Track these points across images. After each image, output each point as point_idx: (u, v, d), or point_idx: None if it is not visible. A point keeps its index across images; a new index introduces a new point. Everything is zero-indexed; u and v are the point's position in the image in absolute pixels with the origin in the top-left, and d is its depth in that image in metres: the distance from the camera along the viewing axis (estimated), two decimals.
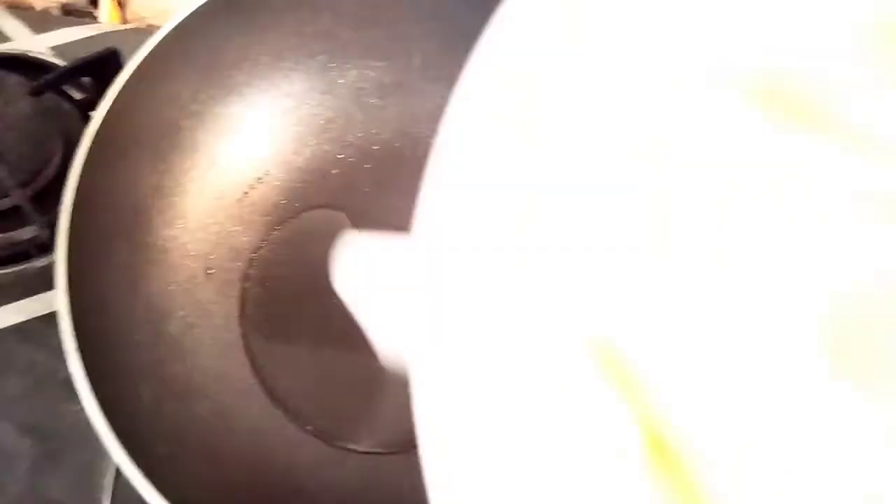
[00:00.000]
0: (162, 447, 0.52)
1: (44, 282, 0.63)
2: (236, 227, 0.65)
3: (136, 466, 0.47)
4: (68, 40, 0.81)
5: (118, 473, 0.59)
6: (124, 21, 0.89)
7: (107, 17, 0.88)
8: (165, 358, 0.58)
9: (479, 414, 0.27)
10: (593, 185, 0.25)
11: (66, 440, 0.62)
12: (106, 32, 0.84)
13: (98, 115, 0.55)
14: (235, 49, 0.62)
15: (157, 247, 0.61)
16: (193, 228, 0.63)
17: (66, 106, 0.71)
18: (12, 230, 0.65)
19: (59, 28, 0.83)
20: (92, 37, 0.82)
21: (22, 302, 0.66)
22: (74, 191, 0.53)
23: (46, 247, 0.62)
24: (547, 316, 0.25)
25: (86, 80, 0.71)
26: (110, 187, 0.56)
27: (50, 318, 0.62)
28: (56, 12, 0.97)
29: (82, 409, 0.49)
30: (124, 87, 0.56)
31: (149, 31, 0.61)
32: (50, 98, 0.69)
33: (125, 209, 0.58)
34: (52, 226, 0.54)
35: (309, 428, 0.60)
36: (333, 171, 0.68)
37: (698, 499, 0.22)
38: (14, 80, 0.69)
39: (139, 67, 0.56)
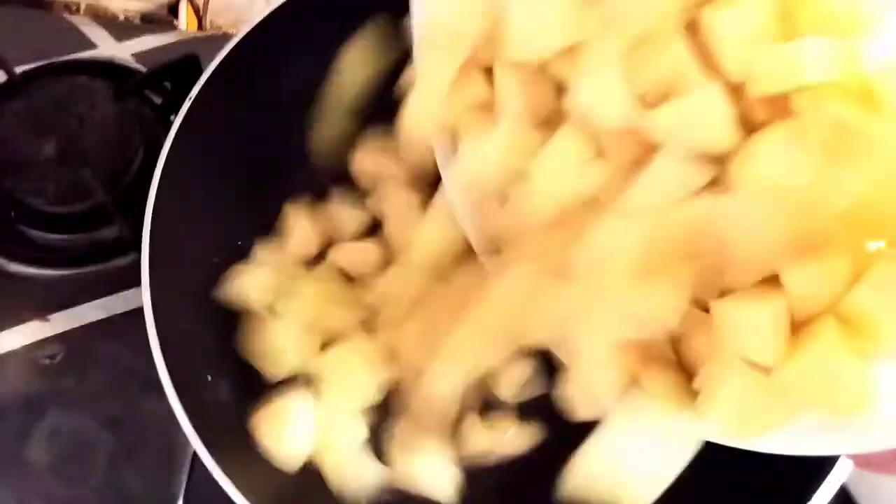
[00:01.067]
0: (239, 442, 0.53)
1: (126, 279, 0.66)
2: None
3: (214, 461, 0.48)
4: (149, 47, 0.84)
5: (193, 469, 0.60)
6: (202, 29, 0.91)
7: (185, 25, 0.91)
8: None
9: None
10: None
11: (145, 434, 0.63)
12: (184, 40, 0.86)
13: (178, 119, 0.56)
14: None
15: (238, 248, 0.62)
16: None
17: (148, 110, 0.73)
18: (97, 230, 0.67)
19: (140, 35, 0.85)
20: (171, 44, 0.85)
21: (105, 299, 0.68)
22: (157, 192, 0.54)
23: (129, 246, 0.64)
24: None
25: (167, 85, 0.74)
26: (191, 188, 0.57)
27: (132, 315, 0.64)
28: (137, 21, 1.01)
29: (163, 405, 0.50)
30: (202, 91, 0.57)
31: (225, 38, 0.63)
32: (132, 103, 0.72)
33: (206, 210, 0.59)
34: (135, 225, 0.55)
35: None
36: None
37: None
38: (99, 85, 0.72)
39: (215, 72, 0.57)
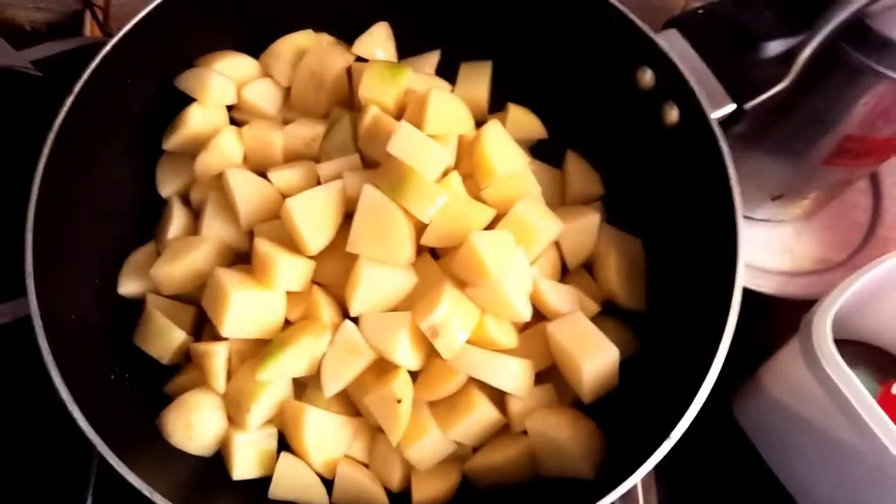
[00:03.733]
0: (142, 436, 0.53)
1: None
2: None
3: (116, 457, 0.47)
4: (49, 54, 0.82)
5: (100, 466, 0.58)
6: (107, 35, 0.90)
7: (89, 32, 0.90)
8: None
9: None
10: None
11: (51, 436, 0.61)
12: (86, 45, 0.85)
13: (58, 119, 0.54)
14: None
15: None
16: None
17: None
18: None
19: (40, 43, 0.84)
20: (72, 49, 0.83)
21: None
22: (38, 188, 0.52)
23: None
24: None
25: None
26: (73, 184, 0.56)
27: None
28: (44, 31, 0.99)
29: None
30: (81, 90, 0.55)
31: None
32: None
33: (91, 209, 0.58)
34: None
35: None
36: None
37: None
38: None
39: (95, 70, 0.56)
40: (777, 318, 0.76)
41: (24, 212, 0.52)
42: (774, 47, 0.57)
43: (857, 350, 0.73)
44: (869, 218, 0.86)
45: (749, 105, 0.56)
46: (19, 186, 0.52)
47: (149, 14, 0.57)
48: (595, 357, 0.52)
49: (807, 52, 0.57)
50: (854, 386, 0.55)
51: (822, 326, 0.59)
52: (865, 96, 0.63)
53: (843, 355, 0.58)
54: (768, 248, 0.83)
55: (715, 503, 0.69)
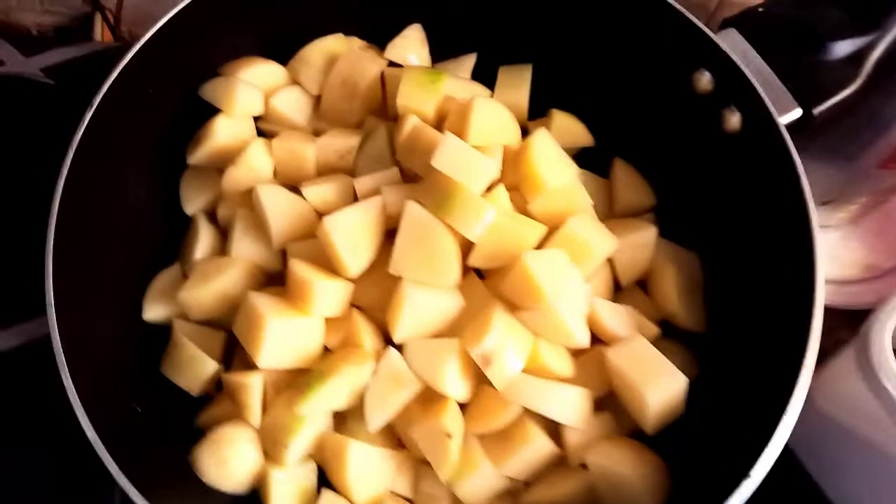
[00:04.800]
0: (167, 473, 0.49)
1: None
2: None
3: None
4: (59, 60, 0.78)
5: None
6: (119, 40, 0.87)
7: (100, 37, 0.86)
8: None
9: None
10: None
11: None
12: (98, 51, 0.81)
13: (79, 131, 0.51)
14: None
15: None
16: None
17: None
18: None
19: (50, 49, 0.80)
20: (84, 56, 0.80)
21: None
22: (57, 212, 0.49)
23: None
24: None
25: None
26: (96, 203, 0.53)
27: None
28: (51, 34, 0.96)
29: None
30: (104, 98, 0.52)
31: None
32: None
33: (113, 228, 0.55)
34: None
35: None
36: None
37: None
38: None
39: (117, 79, 0.52)
40: (824, 329, 0.73)
41: (41, 229, 0.48)
42: (843, 48, 0.53)
43: None
44: None
45: (818, 110, 0.52)
46: (34, 201, 0.49)
47: (170, 20, 0.53)
48: (661, 386, 0.48)
49: (877, 52, 0.53)
50: None
51: (881, 340, 0.56)
52: None
53: None
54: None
55: None
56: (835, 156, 0.69)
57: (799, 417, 0.67)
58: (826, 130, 0.66)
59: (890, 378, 0.54)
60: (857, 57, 0.53)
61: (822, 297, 0.46)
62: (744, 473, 0.42)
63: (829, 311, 0.74)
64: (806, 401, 0.65)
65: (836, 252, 0.80)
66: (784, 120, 0.51)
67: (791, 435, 0.66)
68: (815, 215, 0.48)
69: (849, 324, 0.75)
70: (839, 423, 0.63)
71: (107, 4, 0.88)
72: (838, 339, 0.61)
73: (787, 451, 0.67)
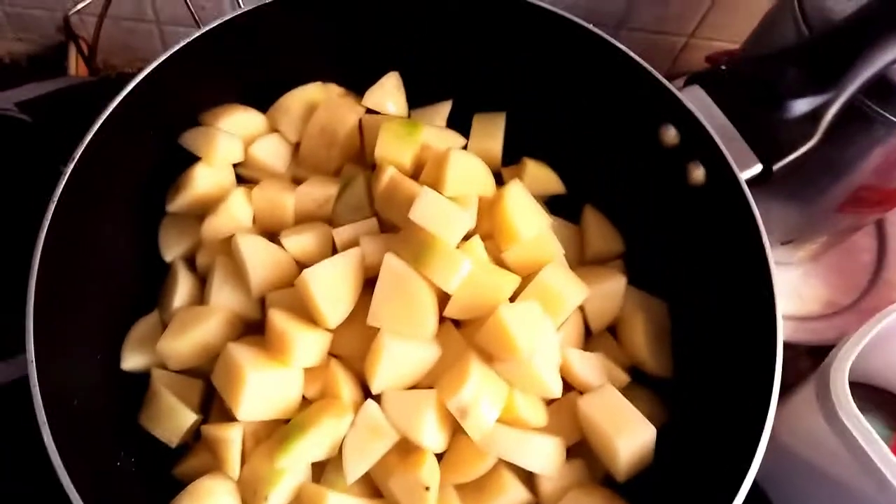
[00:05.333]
0: None
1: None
2: None
3: None
4: (35, 95, 0.78)
5: None
6: (94, 71, 0.86)
7: (74, 69, 0.86)
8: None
9: None
10: None
11: None
12: (74, 85, 0.81)
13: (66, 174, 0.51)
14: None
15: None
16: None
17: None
18: None
19: (25, 83, 0.80)
20: (60, 90, 0.79)
21: None
22: (41, 256, 0.49)
23: None
24: None
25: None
26: (79, 246, 0.53)
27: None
28: (24, 63, 0.95)
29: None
30: (92, 140, 0.52)
31: (120, 80, 0.58)
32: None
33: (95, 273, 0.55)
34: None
35: None
36: None
37: None
38: None
39: (107, 120, 0.53)
40: (785, 360, 0.75)
41: (20, 269, 0.48)
42: (801, 106, 0.56)
43: (865, 393, 0.72)
44: (874, 258, 0.86)
45: (777, 166, 0.55)
46: (12, 241, 0.49)
47: (151, 72, 0.54)
48: (631, 435, 0.50)
49: (833, 109, 0.56)
50: (873, 440, 0.55)
51: (840, 378, 0.59)
52: (881, 147, 0.62)
53: (853, 399, 0.57)
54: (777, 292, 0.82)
55: None
56: (795, 199, 0.72)
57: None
58: (787, 178, 0.69)
59: (849, 415, 0.56)
60: (815, 114, 0.55)
61: (781, 342, 0.48)
62: None
63: (789, 346, 0.77)
64: (770, 435, 0.67)
65: (798, 289, 0.83)
66: (745, 175, 0.53)
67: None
68: (774, 265, 0.50)
69: (809, 353, 0.78)
70: (801, 456, 0.65)
71: (80, 33, 0.87)
72: (799, 372, 0.63)
73: (753, 484, 0.69)
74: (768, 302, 0.50)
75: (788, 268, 0.84)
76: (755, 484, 0.69)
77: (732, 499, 0.44)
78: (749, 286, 0.51)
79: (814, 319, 0.81)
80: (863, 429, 0.55)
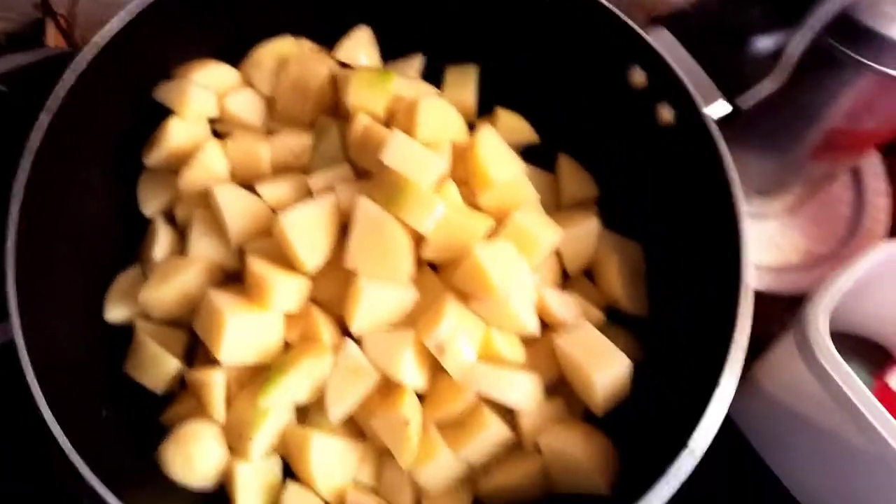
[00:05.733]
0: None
1: None
2: None
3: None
4: (13, 66, 0.78)
5: None
6: (73, 46, 0.86)
7: (52, 42, 0.86)
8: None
9: None
10: None
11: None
12: (52, 56, 0.81)
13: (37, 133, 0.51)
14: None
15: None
16: None
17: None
18: None
19: (3, 55, 0.80)
20: (38, 62, 0.79)
21: None
22: (19, 211, 0.49)
23: None
24: None
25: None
26: (56, 203, 0.53)
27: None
28: (2, 41, 0.95)
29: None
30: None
31: None
32: None
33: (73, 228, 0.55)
34: None
35: None
36: None
37: None
38: None
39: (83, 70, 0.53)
40: (766, 315, 0.76)
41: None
42: (764, 43, 0.56)
43: (848, 343, 0.73)
44: (852, 211, 0.87)
45: (742, 101, 0.55)
46: None
47: (123, 27, 0.54)
48: (606, 369, 0.51)
49: (797, 47, 0.56)
50: (852, 381, 0.55)
51: (818, 322, 0.59)
52: (850, 89, 0.63)
53: (836, 349, 0.58)
54: (755, 243, 0.83)
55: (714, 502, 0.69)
56: (769, 149, 0.73)
57: (747, 401, 0.70)
58: (760, 124, 0.70)
59: (826, 357, 0.57)
60: (779, 51, 0.56)
61: (750, 276, 0.49)
62: (682, 444, 0.45)
63: (772, 297, 0.78)
64: (753, 385, 0.69)
65: (776, 240, 0.84)
66: (710, 111, 0.54)
67: (740, 418, 0.70)
68: (742, 199, 0.51)
69: (792, 309, 0.79)
70: (785, 404, 0.66)
71: (58, 10, 0.87)
72: (783, 325, 0.64)
73: (738, 434, 0.71)
74: (735, 237, 0.50)
75: (767, 220, 0.85)
76: (741, 435, 0.71)
77: (696, 427, 0.45)
78: (718, 224, 0.52)
79: (793, 270, 0.82)
80: (841, 370, 0.56)
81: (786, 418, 0.66)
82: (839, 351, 0.57)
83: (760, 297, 0.78)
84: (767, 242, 0.84)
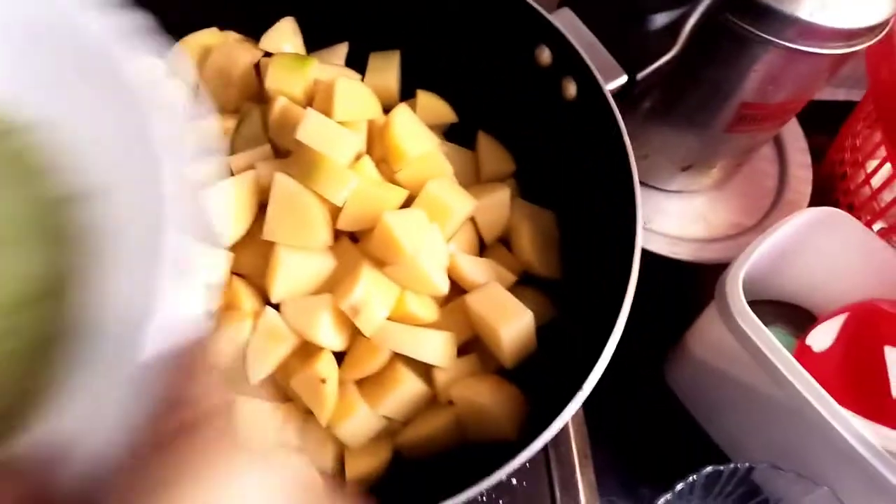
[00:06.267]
0: None
1: None
2: None
3: None
4: None
5: None
6: None
7: None
8: None
9: None
10: None
11: None
12: None
13: None
14: None
15: None
16: None
17: None
18: None
19: None
20: None
21: None
22: None
23: None
24: None
25: None
26: None
27: None
28: None
29: None
30: None
31: None
32: None
33: None
34: None
35: None
36: None
37: None
38: None
39: None
40: (699, 286, 0.80)
41: None
42: (661, 19, 0.60)
43: (777, 309, 0.77)
44: (776, 184, 0.91)
45: (640, 75, 0.59)
46: None
47: None
48: (511, 322, 0.54)
49: (691, 21, 0.60)
50: (767, 339, 0.59)
51: (735, 285, 0.62)
52: (755, 64, 0.67)
53: (763, 314, 0.61)
54: (684, 217, 0.87)
55: (651, 461, 0.73)
56: (689, 125, 0.77)
57: (680, 366, 0.74)
58: (679, 101, 0.74)
59: (744, 318, 0.60)
60: (674, 26, 0.60)
61: (639, 240, 0.52)
62: (578, 387, 0.48)
63: (703, 269, 0.81)
64: (684, 350, 0.72)
65: (704, 214, 0.88)
66: (611, 86, 0.57)
67: (674, 383, 0.73)
68: (635, 167, 0.54)
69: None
70: (710, 365, 0.69)
71: None
72: (711, 294, 0.67)
73: (673, 397, 0.74)
74: (630, 203, 0.53)
75: (695, 195, 0.88)
76: (675, 398, 0.74)
77: (590, 373, 0.48)
78: (617, 191, 0.55)
79: (720, 240, 0.86)
80: (757, 329, 0.59)
81: (714, 380, 0.69)
82: (768, 317, 0.60)
83: (691, 268, 0.82)
84: (696, 217, 0.87)
